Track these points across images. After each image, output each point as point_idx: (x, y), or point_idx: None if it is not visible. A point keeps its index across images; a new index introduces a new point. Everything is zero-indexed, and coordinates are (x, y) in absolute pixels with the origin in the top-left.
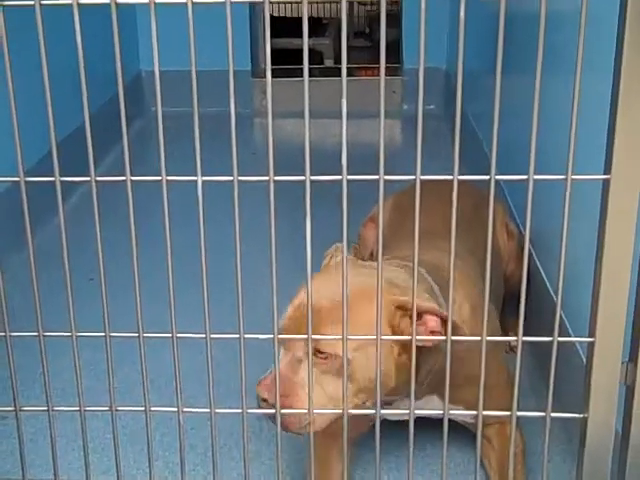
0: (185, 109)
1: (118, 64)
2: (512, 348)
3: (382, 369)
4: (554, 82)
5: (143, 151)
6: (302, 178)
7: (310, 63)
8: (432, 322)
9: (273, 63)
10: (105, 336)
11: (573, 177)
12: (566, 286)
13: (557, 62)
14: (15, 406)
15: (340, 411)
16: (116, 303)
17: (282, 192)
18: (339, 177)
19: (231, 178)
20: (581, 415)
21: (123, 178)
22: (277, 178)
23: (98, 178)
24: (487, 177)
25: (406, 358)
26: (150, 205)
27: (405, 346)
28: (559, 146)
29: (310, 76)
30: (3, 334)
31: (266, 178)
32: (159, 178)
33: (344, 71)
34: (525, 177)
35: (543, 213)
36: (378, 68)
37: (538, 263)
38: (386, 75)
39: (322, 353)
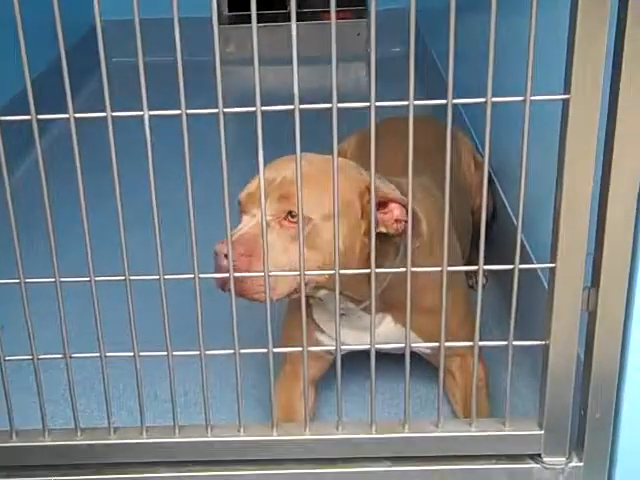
0: (149, 59)
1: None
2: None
3: (346, 243)
4: (511, 10)
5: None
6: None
7: (274, 8)
8: (397, 210)
9: (239, 9)
10: (55, 281)
11: (532, 98)
12: (529, 215)
13: None
14: None
15: (296, 273)
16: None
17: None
18: (291, 107)
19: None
20: (543, 342)
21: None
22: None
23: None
24: (444, 101)
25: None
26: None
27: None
28: (520, 74)
29: (274, 21)
30: None
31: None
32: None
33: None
34: (483, 100)
35: (506, 144)
36: (343, 11)
37: (503, 195)
38: (351, 18)
39: (294, 217)
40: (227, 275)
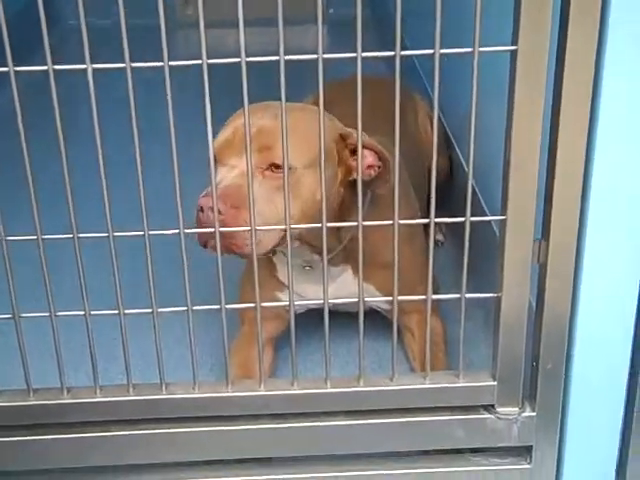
0: (104, 21)
1: None
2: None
3: (325, 193)
4: None
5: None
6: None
7: None
8: (370, 157)
9: None
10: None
11: (480, 49)
12: (484, 171)
13: None
14: None
15: (283, 227)
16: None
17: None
18: (238, 59)
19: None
20: (495, 295)
21: (83, 66)
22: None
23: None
24: (392, 53)
25: (344, 191)
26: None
27: (346, 176)
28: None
29: None
30: None
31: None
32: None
33: None
34: (431, 51)
35: (463, 103)
36: None
37: (458, 151)
38: None
39: (278, 167)
40: (213, 230)
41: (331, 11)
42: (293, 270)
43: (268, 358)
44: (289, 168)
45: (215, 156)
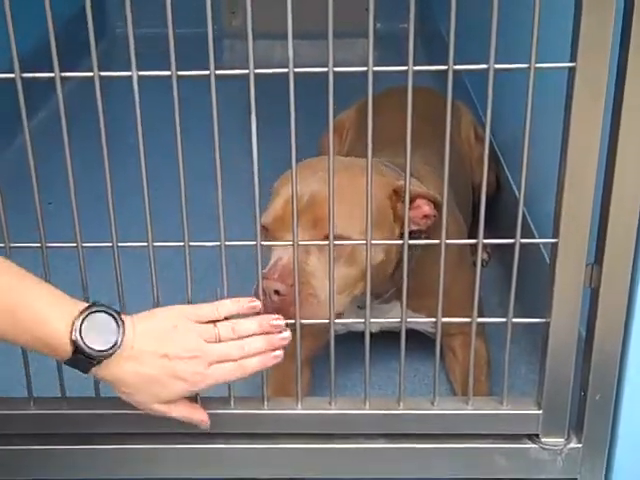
0: (150, 30)
1: None
2: (483, 262)
3: (385, 251)
4: None
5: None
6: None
7: None
8: (426, 206)
9: None
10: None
11: (537, 65)
12: (533, 191)
13: None
14: None
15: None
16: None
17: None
18: (286, 70)
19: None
20: (544, 320)
21: (128, 73)
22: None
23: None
24: (445, 67)
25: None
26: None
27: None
28: (526, 41)
29: None
30: None
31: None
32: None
33: None
34: (486, 66)
35: (511, 118)
36: None
37: (507, 171)
38: None
39: (335, 238)
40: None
41: (379, 25)
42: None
43: (306, 376)
44: (345, 238)
45: (266, 233)
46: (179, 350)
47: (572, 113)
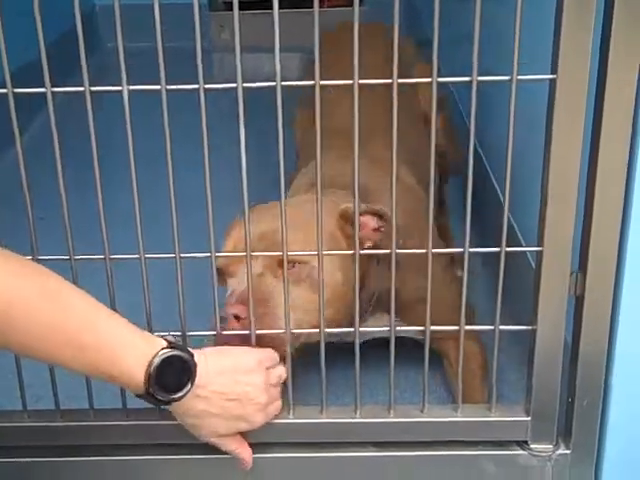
0: (141, 44)
1: None
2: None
3: (344, 272)
4: None
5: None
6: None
7: None
8: (371, 221)
9: None
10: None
11: (519, 77)
12: (520, 200)
13: None
14: None
15: (316, 330)
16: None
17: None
18: (273, 83)
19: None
20: (530, 327)
21: (119, 88)
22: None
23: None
24: (429, 80)
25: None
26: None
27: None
28: (508, 53)
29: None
30: None
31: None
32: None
33: None
34: (469, 79)
35: (494, 125)
36: None
37: (492, 177)
38: (345, 5)
39: (289, 262)
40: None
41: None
42: None
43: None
44: (299, 263)
45: (222, 272)
46: (248, 396)
47: (553, 124)
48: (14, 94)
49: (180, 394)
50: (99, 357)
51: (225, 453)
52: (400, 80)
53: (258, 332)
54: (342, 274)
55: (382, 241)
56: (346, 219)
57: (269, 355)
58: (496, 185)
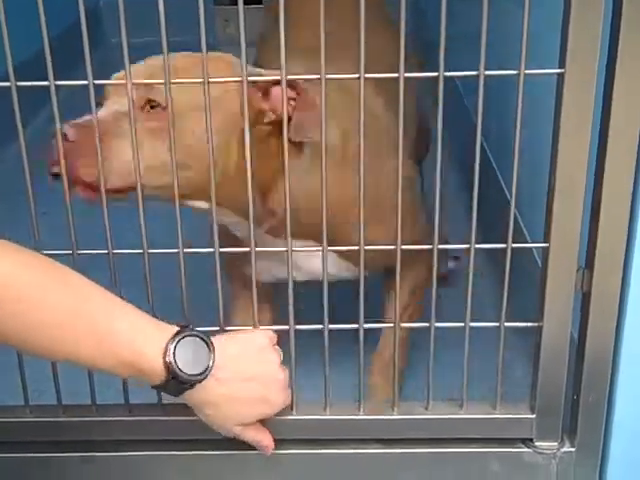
0: (146, 39)
1: None
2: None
3: (219, 140)
4: None
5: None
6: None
7: None
8: (279, 92)
9: None
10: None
11: (526, 72)
12: (524, 194)
13: None
14: None
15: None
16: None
17: None
18: (277, 77)
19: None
20: (536, 324)
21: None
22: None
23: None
24: (436, 74)
25: (261, 133)
26: None
27: (259, 125)
28: (515, 47)
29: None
30: None
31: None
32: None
33: None
34: (476, 73)
35: (500, 119)
36: None
37: (499, 174)
38: None
39: (153, 107)
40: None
41: None
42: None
43: (267, 311)
44: (164, 106)
45: (104, 94)
46: (267, 373)
47: (561, 118)
48: (17, 87)
49: (202, 371)
50: (119, 344)
51: (230, 449)
52: (407, 74)
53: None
54: (219, 141)
55: (297, 127)
56: (258, 87)
57: (272, 333)
58: (501, 180)
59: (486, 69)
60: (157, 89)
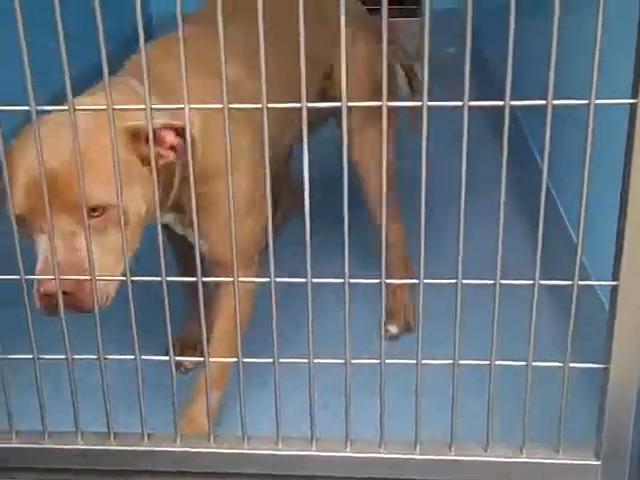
0: None
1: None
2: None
3: (146, 200)
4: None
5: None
6: (298, 105)
7: None
8: (168, 136)
9: None
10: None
11: (596, 101)
12: (587, 231)
13: None
14: None
15: (123, 278)
16: None
17: None
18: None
19: (221, 106)
20: (603, 365)
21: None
22: (271, 105)
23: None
24: (501, 103)
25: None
26: None
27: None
28: (582, 76)
29: None
30: None
31: (259, 105)
32: (142, 107)
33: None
34: (544, 102)
35: (560, 144)
36: (396, 9)
37: (558, 202)
38: (405, 17)
39: (95, 210)
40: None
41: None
42: None
43: None
44: (107, 207)
45: (24, 222)
46: None
47: (634, 151)
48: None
49: None
50: None
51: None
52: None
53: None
54: (146, 201)
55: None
56: (139, 138)
57: None
58: (563, 213)
59: (539, 97)
60: (87, 194)
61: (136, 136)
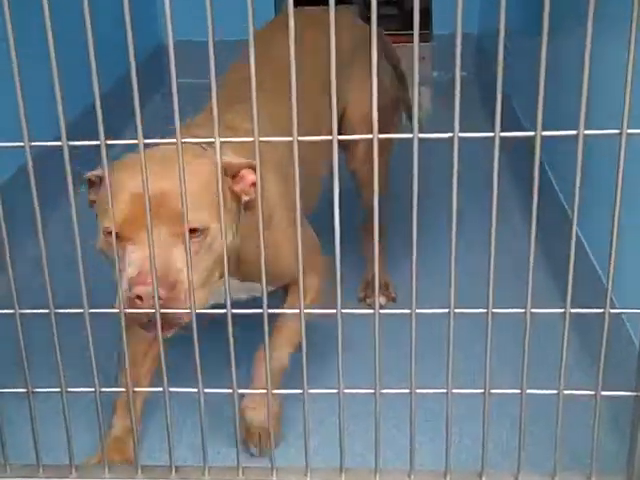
0: (203, 81)
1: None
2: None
3: (233, 231)
4: (602, 31)
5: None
6: (329, 137)
7: None
8: (249, 176)
9: None
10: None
11: (629, 131)
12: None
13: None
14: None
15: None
16: None
17: None
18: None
19: (252, 139)
20: (634, 393)
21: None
22: (301, 138)
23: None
24: (532, 133)
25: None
26: None
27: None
28: (608, 103)
29: None
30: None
31: (290, 139)
32: (173, 140)
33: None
34: (574, 132)
35: (588, 182)
36: (407, 35)
37: (579, 232)
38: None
39: (194, 231)
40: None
41: (435, 74)
42: None
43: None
44: (206, 229)
45: (120, 234)
46: None
47: None
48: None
49: None
50: None
51: None
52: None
53: (163, 311)
54: (231, 233)
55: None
56: (226, 173)
57: None
58: (585, 243)
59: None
60: (192, 216)
61: (225, 171)
